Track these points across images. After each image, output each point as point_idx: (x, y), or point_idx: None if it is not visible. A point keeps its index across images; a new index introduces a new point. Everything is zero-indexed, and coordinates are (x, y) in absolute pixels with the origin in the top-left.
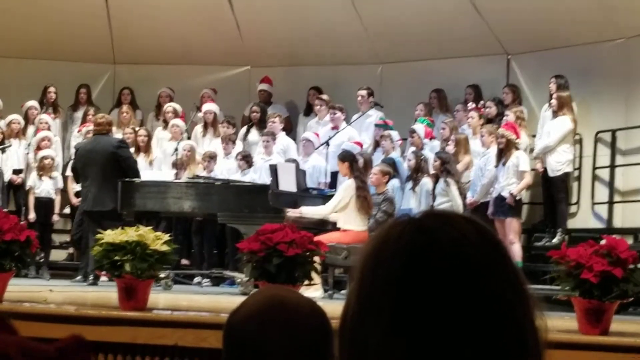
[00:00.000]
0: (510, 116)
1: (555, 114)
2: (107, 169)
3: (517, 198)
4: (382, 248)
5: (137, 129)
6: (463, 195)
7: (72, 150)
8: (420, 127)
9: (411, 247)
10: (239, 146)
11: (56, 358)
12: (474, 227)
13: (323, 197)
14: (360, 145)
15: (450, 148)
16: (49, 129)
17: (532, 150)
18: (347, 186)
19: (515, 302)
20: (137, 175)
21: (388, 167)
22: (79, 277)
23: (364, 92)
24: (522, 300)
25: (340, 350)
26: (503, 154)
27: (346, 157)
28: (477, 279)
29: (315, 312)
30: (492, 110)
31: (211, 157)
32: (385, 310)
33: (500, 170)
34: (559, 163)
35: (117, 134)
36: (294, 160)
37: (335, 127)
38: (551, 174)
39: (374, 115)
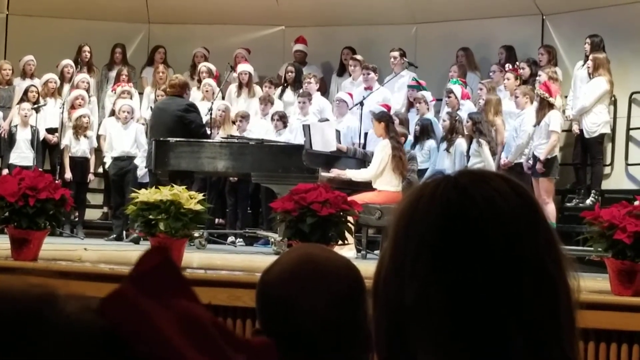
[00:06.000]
0: (542, 76)
1: (590, 75)
2: (174, 130)
3: (549, 157)
4: (416, 205)
5: None
6: (495, 156)
7: (107, 110)
8: (457, 88)
9: (446, 204)
10: (276, 106)
11: (242, 346)
12: (509, 185)
13: (356, 158)
14: (389, 108)
15: (480, 107)
16: (88, 88)
17: (564, 110)
18: (383, 147)
19: (548, 259)
20: (204, 138)
21: (404, 129)
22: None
23: (396, 54)
24: (555, 258)
25: (374, 308)
26: (538, 113)
27: (383, 117)
28: (511, 236)
29: (348, 270)
30: (525, 71)
31: (243, 117)
32: (420, 266)
33: (536, 130)
34: (594, 124)
35: (151, 94)
36: (327, 119)
37: (368, 88)
38: (587, 135)
39: (407, 76)
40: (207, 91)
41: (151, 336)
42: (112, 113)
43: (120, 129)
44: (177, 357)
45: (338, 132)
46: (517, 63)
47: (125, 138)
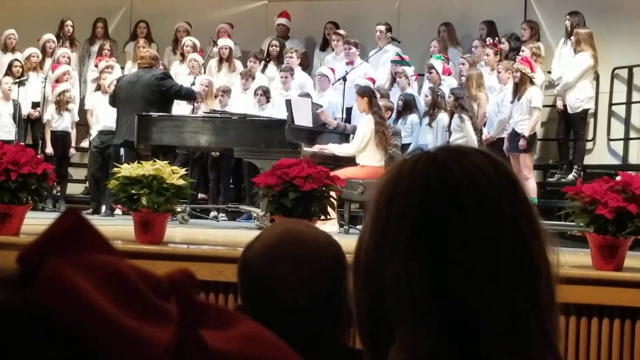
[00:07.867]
0: (526, 52)
1: (575, 50)
2: (151, 101)
3: (530, 134)
4: (396, 181)
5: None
6: (478, 131)
7: (89, 85)
8: (438, 63)
9: (426, 179)
10: (257, 81)
11: (168, 289)
12: (489, 161)
13: (338, 133)
14: (374, 81)
15: (462, 83)
16: (69, 63)
17: (547, 86)
18: (366, 122)
19: (527, 234)
20: (191, 96)
21: (390, 103)
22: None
23: (382, 28)
24: (535, 233)
25: (355, 283)
26: (518, 88)
27: (365, 92)
28: (490, 211)
29: (330, 245)
30: (505, 46)
31: (225, 92)
32: (400, 241)
33: (515, 105)
34: (578, 100)
35: (133, 68)
36: (307, 94)
37: (350, 63)
38: (570, 110)
39: (391, 51)
40: (193, 66)
41: (76, 304)
42: (98, 88)
43: (106, 104)
44: (105, 322)
45: (320, 107)
46: (498, 38)
47: (110, 112)
